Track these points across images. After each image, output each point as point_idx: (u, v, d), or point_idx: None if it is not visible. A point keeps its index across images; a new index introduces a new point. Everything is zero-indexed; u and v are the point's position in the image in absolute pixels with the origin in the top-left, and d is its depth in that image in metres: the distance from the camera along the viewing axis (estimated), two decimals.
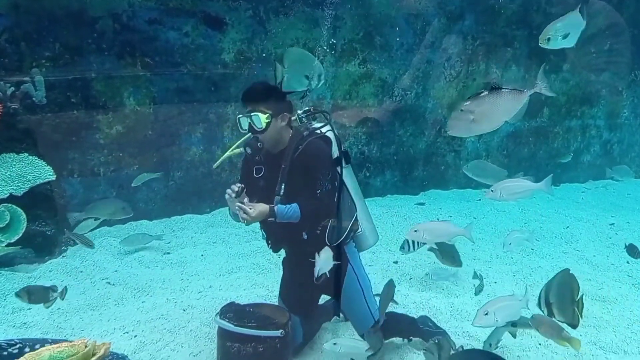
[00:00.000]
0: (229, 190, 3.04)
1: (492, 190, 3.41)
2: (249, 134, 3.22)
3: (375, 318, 3.34)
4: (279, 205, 3.10)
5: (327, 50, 6.61)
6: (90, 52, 5.46)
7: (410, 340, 3.51)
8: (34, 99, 4.93)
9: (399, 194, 7.31)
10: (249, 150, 3.23)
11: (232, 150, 3.43)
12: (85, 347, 1.84)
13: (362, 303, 3.34)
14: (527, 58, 7.78)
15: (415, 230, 3.47)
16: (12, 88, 4.83)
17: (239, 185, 3.06)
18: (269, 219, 3.06)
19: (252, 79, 6.23)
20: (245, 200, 3.03)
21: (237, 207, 3.01)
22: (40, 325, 3.70)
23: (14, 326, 3.66)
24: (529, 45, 7.71)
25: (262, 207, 3.03)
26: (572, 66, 8.04)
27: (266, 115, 3.09)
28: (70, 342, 1.90)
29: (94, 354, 1.79)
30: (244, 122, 3.14)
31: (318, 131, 3.27)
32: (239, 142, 3.41)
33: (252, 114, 3.09)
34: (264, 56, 6.28)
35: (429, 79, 7.26)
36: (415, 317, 3.80)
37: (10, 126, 4.75)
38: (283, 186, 3.15)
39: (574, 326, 2.98)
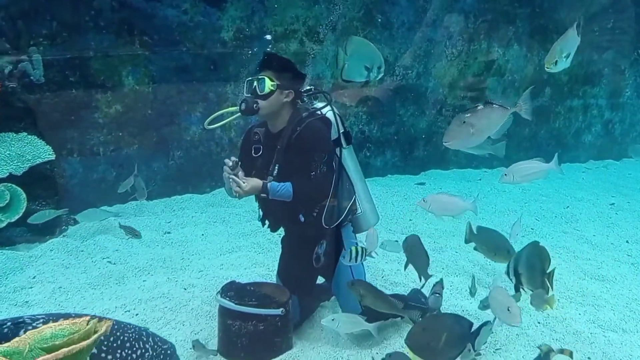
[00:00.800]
0: (225, 165, 3.04)
1: (505, 175, 3.40)
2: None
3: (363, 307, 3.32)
4: (272, 182, 3.09)
5: (327, 28, 6.54)
6: (88, 30, 5.40)
7: (403, 318, 3.54)
8: (31, 77, 4.90)
9: (400, 174, 7.31)
10: (243, 106, 3.12)
11: (227, 110, 3.41)
12: (87, 324, 1.84)
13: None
14: (529, 36, 7.70)
15: (424, 200, 3.45)
16: (10, 67, 4.79)
17: (234, 159, 3.05)
18: (262, 195, 3.06)
19: (251, 58, 6.18)
20: (240, 174, 3.02)
21: (230, 180, 3.01)
22: (42, 303, 3.71)
23: (15, 305, 3.67)
24: (531, 23, 7.63)
25: (255, 182, 3.03)
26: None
27: (272, 83, 3.07)
28: (72, 319, 1.89)
29: (95, 332, 1.79)
30: (249, 85, 3.11)
31: (318, 112, 3.24)
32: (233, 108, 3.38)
33: (259, 76, 3.07)
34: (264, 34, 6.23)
35: (430, 57, 7.20)
36: (407, 292, 3.81)
37: (9, 105, 4.72)
38: (277, 167, 3.14)
39: None
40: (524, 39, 7.67)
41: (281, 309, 3.20)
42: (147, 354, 2.42)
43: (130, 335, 2.37)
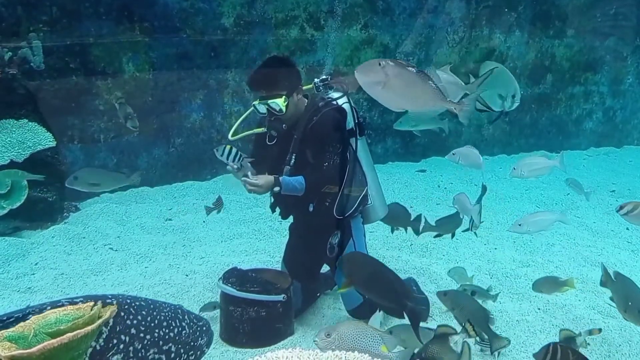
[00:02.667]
0: (229, 167, 3.05)
1: (514, 169, 3.45)
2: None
3: (364, 298, 3.33)
4: (284, 176, 3.10)
5: (328, 14, 6.51)
6: (88, 16, 5.37)
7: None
8: (32, 64, 4.88)
9: (400, 161, 7.29)
10: (274, 133, 3.18)
11: (253, 131, 3.36)
12: (91, 310, 1.86)
13: None
14: (530, 23, 7.65)
15: (519, 224, 3.63)
16: (10, 53, 4.77)
17: (236, 165, 3.04)
18: (275, 189, 3.06)
19: (252, 45, 6.15)
20: (249, 173, 3.03)
21: (242, 182, 3.02)
22: (45, 290, 3.74)
23: (18, 291, 3.69)
24: (533, 9, 7.58)
25: (267, 178, 3.03)
26: (576, 31, 7.91)
27: (283, 98, 3.06)
28: (76, 304, 1.90)
29: (99, 317, 1.80)
30: (261, 108, 3.10)
31: (334, 102, 3.23)
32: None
33: (269, 101, 3.05)
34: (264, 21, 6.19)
35: (432, 44, 7.16)
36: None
37: (9, 92, 4.70)
38: (294, 157, 3.14)
39: None
40: (525, 25, 7.62)
41: (283, 295, 3.22)
42: (183, 331, 2.44)
43: (167, 314, 2.39)
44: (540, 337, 3.39)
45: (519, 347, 3.29)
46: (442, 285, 3.94)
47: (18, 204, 4.39)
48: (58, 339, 1.64)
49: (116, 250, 4.41)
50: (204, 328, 2.55)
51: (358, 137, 3.33)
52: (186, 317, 2.49)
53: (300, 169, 3.15)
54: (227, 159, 3.03)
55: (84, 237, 4.59)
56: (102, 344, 2.11)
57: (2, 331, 1.78)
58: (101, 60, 5.51)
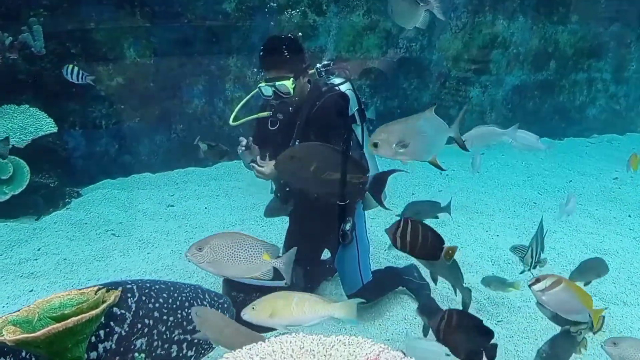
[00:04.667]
0: (240, 144, 3.04)
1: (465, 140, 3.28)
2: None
3: (364, 282, 3.34)
4: None
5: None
6: (88, 1, 5.32)
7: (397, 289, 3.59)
8: (32, 49, 4.83)
9: None
10: (280, 116, 3.14)
11: (257, 115, 3.30)
12: (95, 294, 1.86)
13: (354, 266, 3.35)
14: (534, 9, 7.58)
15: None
16: (10, 38, 4.73)
17: (246, 140, 3.03)
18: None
19: (254, 30, 6.10)
20: (257, 158, 3.01)
21: (250, 166, 3.01)
22: (48, 275, 3.75)
23: (21, 276, 3.70)
24: None
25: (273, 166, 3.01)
26: (580, 17, 7.85)
27: (291, 81, 3.01)
28: (80, 289, 1.91)
29: (103, 301, 1.81)
30: (267, 90, 3.05)
31: (337, 88, 3.19)
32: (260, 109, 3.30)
33: (276, 82, 3.00)
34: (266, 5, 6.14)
35: (435, 30, 7.10)
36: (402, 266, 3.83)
37: (10, 77, 4.68)
38: (297, 142, 3.11)
39: None
40: (529, 11, 7.55)
41: (284, 281, 3.22)
42: None
43: (188, 294, 2.42)
44: (542, 324, 3.38)
45: (521, 334, 3.30)
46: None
47: (20, 190, 4.39)
48: (62, 323, 1.65)
49: (118, 236, 4.41)
50: (225, 305, 2.58)
51: (359, 123, 3.30)
52: (207, 295, 2.52)
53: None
54: (72, 77, 2.95)
55: (86, 223, 4.58)
56: (127, 329, 2.16)
57: (6, 315, 1.79)
58: (102, 46, 5.47)
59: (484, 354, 2.40)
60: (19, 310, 1.81)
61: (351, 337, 1.76)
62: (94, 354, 2.06)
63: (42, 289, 3.55)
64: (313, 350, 1.67)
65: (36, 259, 3.93)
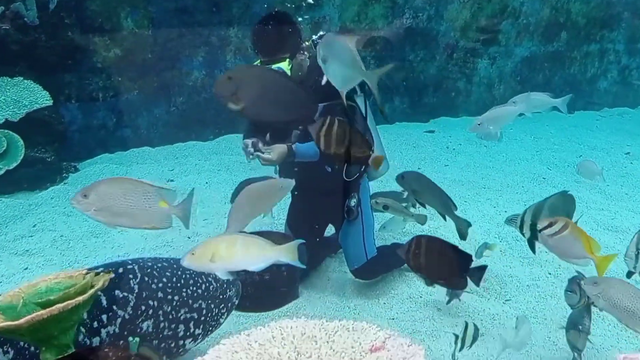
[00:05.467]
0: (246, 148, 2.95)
1: (478, 124, 3.08)
2: None
3: (368, 258, 3.30)
4: (297, 144, 2.99)
5: None
6: None
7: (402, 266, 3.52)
8: (25, 19, 4.68)
9: (408, 121, 7.13)
10: None
11: None
12: (84, 278, 1.75)
13: (359, 240, 3.30)
14: None
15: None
16: (2, 8, 4.58)
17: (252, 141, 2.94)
18: (288, 159, 2.97)
19: (255, 0, 5.94)
20: (260, 145, 2.92)
21: (253, 156, 2.92)
22: (44, 252, 3.67)
23: (15, 253, 3.63)
24: None
25: (281, 149, 2.92)
26: None
27: (287, 62, 2.92)
28: (69, 272, 1.81)
29: (92, 286, 1.70)
30: None
31: None
32: None
33: (272, 65, 2.89)
34: None
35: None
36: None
37: (2, 48, 4.55)
38: None
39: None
40: None
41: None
42: (211, 286, 2.43)
43: (192, 271, 2.36)
44: (551, 303, 3.31)
45: (529, 313, 3.21)
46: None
47: (14, 165, 4.30)
48: (47, 310, 1.55)
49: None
50: (231, 279, 2.54)
51: (359, 93, 3.23)
52: None
53: (309, 132, 3.03)
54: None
55: None
56: (131, 312, 2.11)
57: None
58: (98, 16, 5.34)
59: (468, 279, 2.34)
60: (2, 295, 1.71)
61: (355, 322, 1.67)
62: (96, 340, 2.01)
63: (37, 266, 3.48)
64: (315, 337, 1.58)
65: (31, 236, 3.86)
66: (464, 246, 2.66)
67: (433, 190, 2.75)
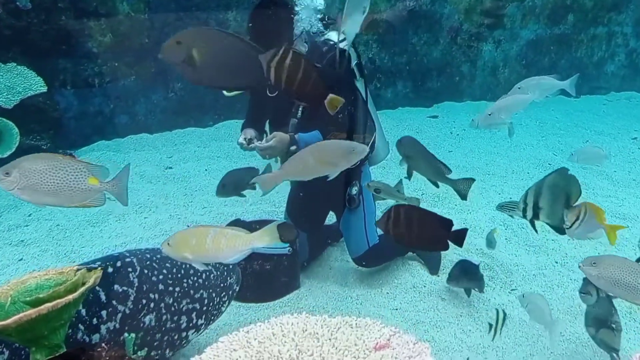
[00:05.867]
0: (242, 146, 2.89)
1: (489, 114, 2.96)
2: None
3: (369, 246, 3.24)
4: (300, 133, 2.90)
5: None
6: None
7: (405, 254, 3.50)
8: (17, 3, 4.57)
9: (411, 106, 7.03)
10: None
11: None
12: (75, 274, 1.67)
13: (360, 228, 3.24)
14: None
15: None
16: None
17: (246, 138, 2.88)
18: (291, 148, 2.85)
19: None
20: (256, 141, 2.87)
21: (252, 149, 2.86)
22: (39, 242, 3.60)
23: (10, 244, 3.56)
24: None
25: (282, 138, 2.83)
26: None
27: None
28: (59, 269, 1.73)
29: (83, 284, 1.62)
30: None
31: (334, 44, 2.98)
32: None
33: None
34: None
35: None
36: None
37: None
38: (300, 109, 2.93)
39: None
40: None
41: (288, 248, 3.09)
42: (212, 275, 2.40)
43: None
44: (558, 292, 3.25)
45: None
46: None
47: (9, 153, 4.22)
48: (35, 309, 1.47)
49: (114, 200, 4.22)
50: (230, 267, 2.51)
51: (358, 77, 3.13)
52: None
53: (309, 120, 2.94)
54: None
55: None
56: (131, 306, 2.06)
57: None
58: None
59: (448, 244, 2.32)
60: None
61: (359, 318, 1.61)
62: (96, 337, 1.96)
63: (33, 257, 3.41)
64: (317, 333, 1.52)
65: (27, 225, 3.79)
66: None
67: (426, 157, 2.69)
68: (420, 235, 2.36)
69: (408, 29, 6.83)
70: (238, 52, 2.17)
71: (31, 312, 1.46)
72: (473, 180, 2.74)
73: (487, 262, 3.46)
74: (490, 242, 3.38)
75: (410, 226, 2.33)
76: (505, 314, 2.62)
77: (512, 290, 3.28)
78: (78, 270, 1.70)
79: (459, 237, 2.34)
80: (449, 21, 6.96)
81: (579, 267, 2.21)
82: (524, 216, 2.40)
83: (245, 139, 2.89)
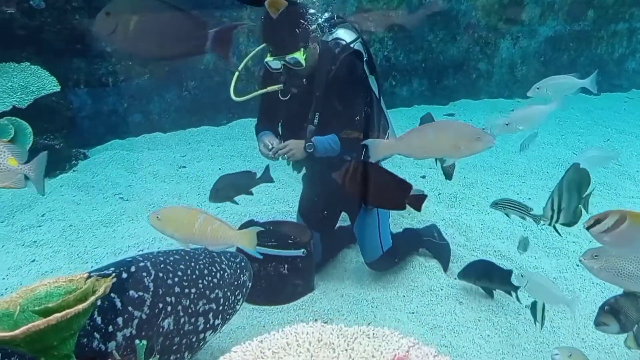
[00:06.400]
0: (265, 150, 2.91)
1: (507, 124, 2.83)
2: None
3: (384, 250, 3.19)
4: (315, 137, 2.87)
5: None
6: None
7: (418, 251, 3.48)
8: (31, 2, 4.53)
9: (427, 104, 6.93)
10: (294, 90, 2.88)
11: (267, 90, 2.93)
12: (85, 282, 1.63)
13: (374, 231, 3.19)
14: None
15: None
16: None
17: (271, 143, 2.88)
18: (308, 150, 2.87)
19: None
20: (280, 147, 2.89)
21: (276, 158, 2.90)
22: (52, 243, 3.58)
23: (23, 245, 3.54)
24: None
25: (299, 143, 2.86)
26: None
27: (301, 51, 2.74)
28: (69, 277, 1.68)
29: (93, 292, 1.58)
30: (275, 64, 2.78)
31: (349, 46, 2.94)
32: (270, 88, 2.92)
33: (287, 56, 2.73)
34: None
35: None
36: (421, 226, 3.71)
37: (8, 33, 4.42)
38: (317, 115, 2.88)
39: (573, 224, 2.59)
40: None
41: (302, 250, 3.06)
42: (225, 273, 2.38)
43: (204, 260, 2.33)
44: (580, 297, 3.16)
45: (557, 312, 3.06)
46: (471, 238, 3.76)
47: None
48: (44, 320, 1.42)
49: (127, 200, 4.22)
50: (243, 264, 2.50)
51: (369, 74, 3.06)
52: (223, 258, 2.42)
53: (325, 126, 2.89)
54: None
55: (93, 186, 4.40)
56: (148, 311, 2.03)
57: None
58: None
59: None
60: None
61: (376, 328, 1.56)
62: (112, 344, 1.92)
63: (45, 258, 3.38)
64: (333, 344, 1.47)
65: (40, 226, 3.77)
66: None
67: None
68: (377, 193, 2.37)
69: (424, 25, 6.74)
70: (170, 18, 2.02)
71: (40, 323, 1.42)
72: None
73: (506, 265, 3.38)
74: (524, 247, 3.29)
75: (367, 183, 2.34)
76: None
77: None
78: (89, 277, 1.66)
79: (417, 202, 2.34)
80: (466, 18, 6.85)
81: (580, 261, 2.14)
82: (550, 224, 2.33)
83: (267, 147, 2.90)
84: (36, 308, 1.53)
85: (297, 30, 2.74)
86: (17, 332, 1.41)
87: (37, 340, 1.45)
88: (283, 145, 2.87)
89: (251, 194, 3.09)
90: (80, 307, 1.47)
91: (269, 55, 2.79)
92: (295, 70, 2.79)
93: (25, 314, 1.57)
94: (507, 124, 2.67)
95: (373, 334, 1.53)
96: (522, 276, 2.63)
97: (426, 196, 2.38)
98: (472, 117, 6.52)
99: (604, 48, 7.70)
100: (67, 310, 1.45)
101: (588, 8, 7.39)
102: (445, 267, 3.39)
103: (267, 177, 3.10)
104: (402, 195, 2.32)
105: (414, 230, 3.60)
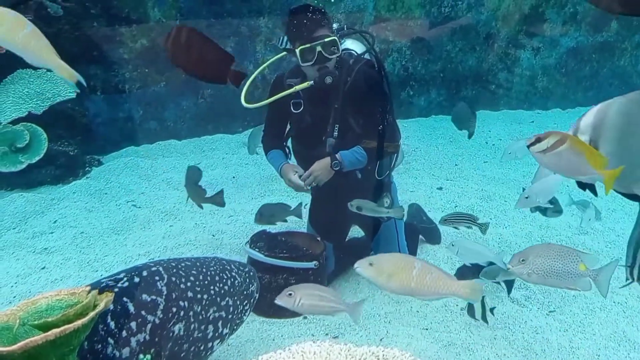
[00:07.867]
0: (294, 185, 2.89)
1: (526, 197, 2.79)
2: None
3: None
4: (341, 152, 2.81)
5: None
6: None
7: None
8: (49, 10, 4.59)
9: (445, 115, 6.84)
10: (328, 80, 2.77)
11: (294, 89, 2.84)
12: (86, 296, 1.59)
13: (393, 244, 3.15)
14: None
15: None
16: None
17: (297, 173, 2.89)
18: (334, 168, 2.81)
19: None
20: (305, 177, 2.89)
21: (307, 190, 2.91)
22: (63, 250, 3.57)
23: (33, 252, 3.54)
24: None
25: (325, 164, 2.81)
26: None
27: (337, 38, 2.72)
28: (71, 289, 1.65)
29: (95, 306, 1.54)
30: (309, 54, 2.67)
31: (363, 57, 2.93)
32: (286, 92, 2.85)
33: (326, 39, 2.65)
34: None
35: None
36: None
37: None
38: (336, 127, 2.82)
39: None
40: None
41: (314, 262, 3.01)
42: (236, 281, 2.38)
43: (216, 267, 2.32)
44: (600, 316, 3.08)
45: (576, 328, 2.98)
46: None
47: (37, 158, 4.23)
48: (42, 335, 1.39)
49: (140, 208, 4.21)
50: (251, 274, 2.49)
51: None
52: (233, 266, 2.41)
53: (346, 138, 2.83)
54: None
55: (106, 193, 4.40)
56: (161, 315, 2.01)
57: None
58: (125, 5, 5.22)
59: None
60: None
61: (387, 348, 1.51)
62: (126, 350, 1.90)
63: (56, 265, 3.37)
64: None
65: (51, 232, 3.77)
66: None
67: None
68: (198, 61, 2.32)
69: (443, 35, 6.68)
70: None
71: (38, 338, 1.39)
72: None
73: (524, 281, 3.28)
74: (598, 216, 3.20)
75: (190, 49, 2.29)
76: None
77: (550, 312, 3.11)
78: (90, 291, 1.62)
79: (237, 78, 2.37)
80: (485, 28, 6.78)
81: (508, 269, 2.10)
82: (631, 276, 2.19)
83: (295, 182, 2.88)
84: (36, 322, 1.49)
85: (330, 22, 2.73)
86: (14, 347, 1.37)
87: (35, 355, 1.41)
88: (309, 173, 2.84)
89: (285, 221, 3.36)
90: (79, 322, 1.44)
91: (298, 44, 2.70)
92: (327, 66, 2.72)
93: (25, 327, 1.54)
94: (526, 197, 2.76)
95: (383, 355, 1.47)
96: (452, 245, 2.68)
97: (246, 74, 2.42)
98: (490, 128, 6.43)
99: (627, 60, 7.55)
100: (66, 326, 1.41)
101: (611, 18, 7.27)
102: (436, 242, 3.64)
103: (298, 212, 3.32)
104: (224, 67, 2.32)
105: (408, 224, 3.52)
